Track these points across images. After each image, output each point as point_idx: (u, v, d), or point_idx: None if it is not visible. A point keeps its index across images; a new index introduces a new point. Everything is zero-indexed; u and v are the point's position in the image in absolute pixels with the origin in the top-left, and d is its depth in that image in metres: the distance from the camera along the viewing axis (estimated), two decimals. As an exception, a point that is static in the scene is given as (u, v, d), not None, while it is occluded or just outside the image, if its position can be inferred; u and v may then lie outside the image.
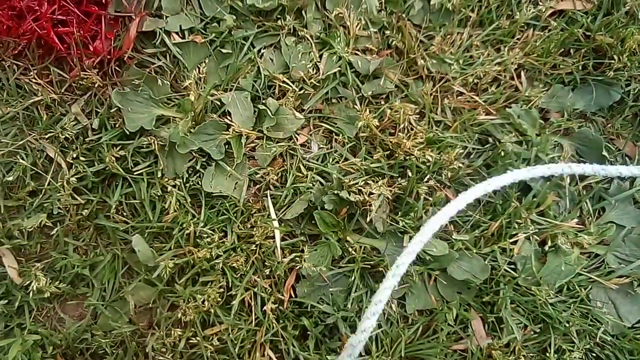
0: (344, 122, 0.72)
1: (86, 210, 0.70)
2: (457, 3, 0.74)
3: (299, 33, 0.74)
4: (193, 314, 0.65)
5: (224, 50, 0.72)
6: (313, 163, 0.71)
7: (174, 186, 0.69)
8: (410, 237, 0.67)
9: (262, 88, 0.72)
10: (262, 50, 0.74)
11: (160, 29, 0.73)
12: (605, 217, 0.72)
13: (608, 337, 0.68)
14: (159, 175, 0.69)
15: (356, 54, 0.74)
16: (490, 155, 0.72)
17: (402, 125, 0.70)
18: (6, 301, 0.69)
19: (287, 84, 0.72)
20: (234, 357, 0.65)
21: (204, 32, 0.74)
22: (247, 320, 0.66)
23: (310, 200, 0.68)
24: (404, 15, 0.74)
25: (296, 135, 0.72)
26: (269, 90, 0.73)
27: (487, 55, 0.75)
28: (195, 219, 0.68)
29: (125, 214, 0.70)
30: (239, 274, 0.67)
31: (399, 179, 0.69)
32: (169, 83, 0.72)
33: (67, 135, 0.71)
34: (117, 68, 0.73)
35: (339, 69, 0.73)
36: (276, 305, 0.66)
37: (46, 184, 0.70)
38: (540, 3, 0.77)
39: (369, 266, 0.67)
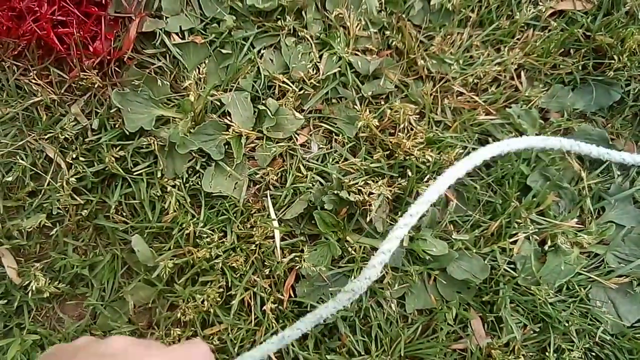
0: (344, 122, 0.72)
1: (86, 211, 0.70)
2: (457, 3, 0.75)
3: (299, 33, 0.74)
4: (193, 313, 0.65)
5: (223, 51, 0.72)
6: (313, 163, 0.71)
7: (173, 186, 0.69)
8: (410, 237, 0.67)
9: (262, 88, 0.72)
10: (262, 51, 0.74)
11: (160, 29, 0.73)
12: (605, 217, 0.72)
13: (607, 336, 0.68)
14: (159, 175, 0.69)
15: (356, 54, 0.74)
16: (490, 155, 0.72)
17: (402, 126, 0.70)
18: (5, 301, 0.69)
19: (287, 84, 0.72)
20: (233, 357, 0.65)
21: (203, 32, 0.74)
22: (246, 320, 0.66)
23: (310, 200, 0.68)
24: (404, 16, 0.74)
25: (296, 136, 0.72)
26: (269, 90, 0.73)
27: (487, 55, 0.75)
28: (195, 219, 0.68)
29: (124, 214, 0.70)
30: (238, 274, 0.67)
31: (399, 179, 0.69)
32: (168, 83, 0.72)
33: (67, 136, 0.71)
34: (116, 69, 0.73)
35: (339, 69, 0.73)
36: (276, 305, 0.66)
37: (46, 184, 0.70)
38: (540, 3, 0.77)
39: (369, 266, 0.67)
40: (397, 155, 0.69)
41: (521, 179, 0.71)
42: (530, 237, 0.70)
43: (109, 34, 0.72)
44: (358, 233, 0.69)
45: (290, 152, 0.71)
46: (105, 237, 0.71)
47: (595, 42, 0.75)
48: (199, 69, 0.72)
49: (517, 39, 0.76)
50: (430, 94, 0.73)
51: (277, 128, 0.71)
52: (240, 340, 0.65)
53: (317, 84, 0.73)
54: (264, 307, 0.66)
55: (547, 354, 0.67)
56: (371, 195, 0.67)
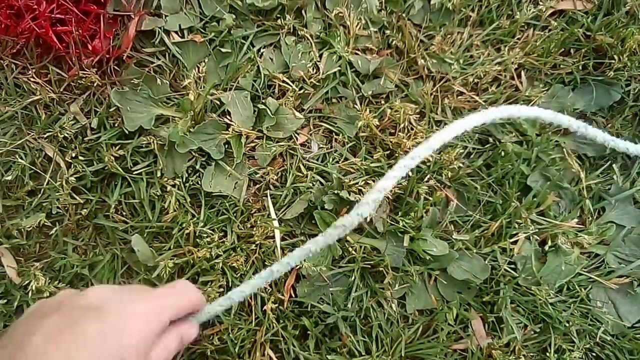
0: (344, 122, 0.72)
1: (85, 210, 0.69)
2: (457, 3, 0.74)
3: (299, 32, 0.74)
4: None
5: (223, 50, 0.72)
6: (313, 163, 0.70)
7: (173, 186, 0.69)
8: (411, 237, 0.67)
9: (262, 87, 0.72)
10: (262, 50, 0.74)
11: (160, 28, 0.72)
12: (605, 217, 0.72)
13: (608, 336, 0.68)
14: (159, 174, 0.69)
15: (356, 53, 0.74)
16: (491, 155, 0.72)
17: (402, 125, 0.70)
18: (5, 301, 0.69)
19: (287, 83, 0.71)
20: (234, 357, 0.65)
21: (203, 31, 0.74)
22: (247, 320, 0.66)
23: (310, 200, 0.68)
24: (404, 15, 0.74)
25: (296, 135, 0.71)
26: (269, 89, 0.73)
27: (487, 55, 0.75)
28: (195, 218, 0.68)
29: (124, 213, 0.70)
30: (239, 274, 0.67)
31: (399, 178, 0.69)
32: (168, 82, 0.72)
33: (66, 135, 0.70)
34: (116, 67, 0.73)
35: (339, 68, 0.73)
36: (276, 305, 0.66)
37: (45, 183, 0.70)
38: (541, 3, 0.77)
39: (369, 266, 0.67)
40: (397, 155, 0.69)
41: (521, 179, 0.71)
42: (531, 238, 0.70)
43: (108, 33, 0.72)
44: (358, 233, 0.69)
45: (291, 151, 0.71)
46: (105, 237, 0.71)
47: (596, 42, 0.75)
48: (198, 67, 0.72)
49: (518, 39, 0.76)
50: (431, 94, 0.73)
51: (277, 127, 0.71)
52: (241, 340, 0.65)
53: (317, 83, 0.72)
54: (265, 307, 0.65)
55: (547, 354, 0.67)
56: (372, 195, 0.66)
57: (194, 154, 0.70)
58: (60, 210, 0.70)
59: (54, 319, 0.41)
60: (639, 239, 0.71)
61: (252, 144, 0.71)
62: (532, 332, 0.68)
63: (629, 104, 0.75)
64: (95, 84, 0.71)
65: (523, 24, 0.76)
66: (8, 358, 0.39)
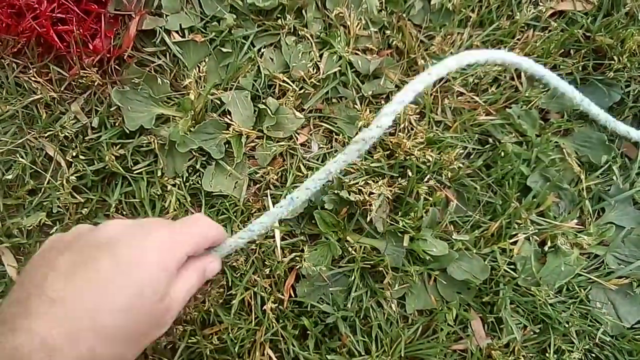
0: (344, 122, 0.72)
1: (86, 209, 0.69)
2: (457, 3, 0.75)
3: (299, 32, 0.74)
4: (193, 312, 0.65)
5: (224, 49, 0.72)
6: (313, 162, 0.71)
7: (173, 185, 0.69)
8: (411, 238, 0.67)
9: (262, 87, 0.72)
10: (262, 50, 0.74)
11: (160, 27, 0.72)
12: (604, 218, 0.72)
13: (607, 337, 0.68)
14: (159, 174, 0.69)
15: (356, 53, 0.74)
16: (490, 155, 0.72)
17: (402, 125, 0.70)
18: (5, 300, 0.69)
19: (287, 83, 0.72)
20: (233, 356, 0.65)
21: (204, 31, 0.74)
22: (247, 319, 0.66)
23: (310, 200, 0.68)
24: (404, 15, 0.74)
25: (296, 135, 0.72)
26: (269, 89, 0.73)
27: (487, 55, 0.75)
28: (195, 218, 0.68)
29: (125, 212, 0.70)
30: (238, 274, 0.67)
31: (399, 178, 0.69)
32: (168, 82, 0.72)
33: (67, 134, 0.71)
34: (116, 67, 0.73)
35: (339, 68, 0.73)
36: (276, 305, 0.66)
37: (45, 182, 0.70)
38: (541, 4, 0.77)
39: (369, 266, 0.67)
40: (397, 155, 0.69)
41: (521, 180, 0.71)
42: (530, 238, 0.70)
43: (109, 32, 0.72)
44: (358, 233, 0.69)
45: (291, 151, 0.71)
46: (105, 236, 0.71)
47: (596, 42, 0.75)
48: (199, 67, 0.72)
49: (517, 39, 0.76)
50: (431, 94, 0.73)
51: (278, 127, 0.71)
52: (241, 340, 0.65)
53: (318, 83, 0.73)
54: (265, 307, 0.65)
55: (547, 355, 0.67)
56: (371, 195, 0.67)
57: (194, 153, 0.70)
58: (61, 209, 0.70)
59: (68, 257, 0.40)
60: (639, 239, 0.71)
61: (253, 144, 0.71)
62: (532, 333, 0.68)
63: (628, 104, 0.75)
64: (96, 83, 0.71)
65: (523, 25, 0.76)
66: (26, 296, 0.38)
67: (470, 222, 0.70)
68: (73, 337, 0.37)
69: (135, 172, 0.70)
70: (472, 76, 0.73)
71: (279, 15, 0.74)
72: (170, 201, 0.68)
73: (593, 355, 0.69)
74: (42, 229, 0.71)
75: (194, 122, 0.70)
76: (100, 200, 0.71)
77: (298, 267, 0.66)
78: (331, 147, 0.72)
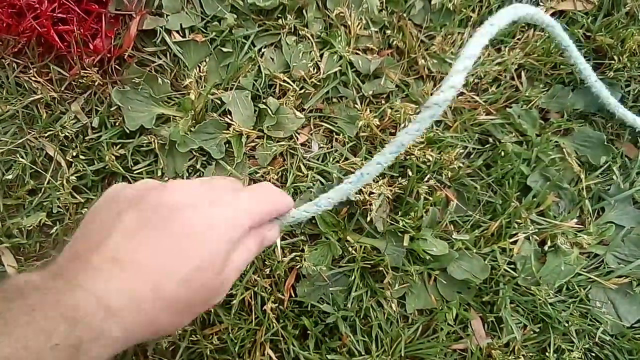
0: (345, 122, 0.72)
1: (86, 209, 0.69)
2: (458, 3, 0.75)
3: (300, 32, 0.74)
4: (193, 313, 0.65)
5: (224, 49, 0.72)
6: (313, 162, 0.71)
7: (174, 185, 0.69)
8: (411, 237, 0.67)
9: (263, 87, 0.72)
10: (263, 49, 0.74)
11: (161, 27, 0.73)
12: (604, 217, 0.72)
13: (607, 336, 0.68)
14: (159, 174, 0.69)
15: (357, 53, 0.74)
16: (491, 155, 0.72)
17: (402, 125, 0.70)
18: (5, 300, 0.69)
19: (288, 83, 0.72)
20: (234, 356, 0.65)
21: (204, 30, 0.74)
22: (247, 319, 0.66)
23: (311, 200, 0.68)
24: (405, 15, 0.74)
25: (296, 135, 0.72)
26: (270, 89, 0.73)
27: (487, 55, 0.75)
28: (196, 218, 0.68)
29: (125, 212, 0.70)
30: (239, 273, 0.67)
31: (399, 178, 0.69)
32: (169, 82, 0.72)
33: (67, 134, 0.71)
34: (117, 66, 0.73)
35: (339, 68, 0.73)
36: (276, 305, 0.66)
37: (46, 182, 0.70)
38: (541, 3, 0.77)
39: (369, 266, 0.67)
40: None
41: (521, 179, 0.71)
42: (530, 238, 0.70)
43: (110, 32, 0.72)
44: (358, 233, 0.69)
45: (291, 151, 0.71)
46: (105, 236, 0.71)
47: (596, 42, 0.75)
48: (199, 67, 0.72)
49: (518, 39, 0.76)
50: (431, 94, 0.72)
51: (278, 127, 0.71)
52: (241, 340, 0.65)
53: (318, 83, 0.73)
54: (265, 307, 0.66)
55: (547, 354, 0.67)
56: (372, 195, 0.67)
57: (194, 153, 0.70)
58: (61, 210, 0.70)
59: (134, 215, 0.38)
60: (638, 239, 0.71)
61: (253, 144, 0.71)
62: (532, 332, 0.68)
63: (628, 104, 0.75)
64: (96, 83, 0.71)
65: (523, 25, 0.76)
66: (87, 252, 0.36)
67: (470, 221, 0.70)
68: (134, 303, 0.35)
69: (135, 172, 0.70)
70: (472, 76, 0.73)
71: (279, 15, 0.74)
72: (171, 201, 0.67)
73: (593, 354, 0.69)
74: (42, 229, 0.71)
75: (194, 122, 0.70)
76: (101, 200, 0.71)
77: (298, 266, 0.66)
78: (331, 147, 0.72)
